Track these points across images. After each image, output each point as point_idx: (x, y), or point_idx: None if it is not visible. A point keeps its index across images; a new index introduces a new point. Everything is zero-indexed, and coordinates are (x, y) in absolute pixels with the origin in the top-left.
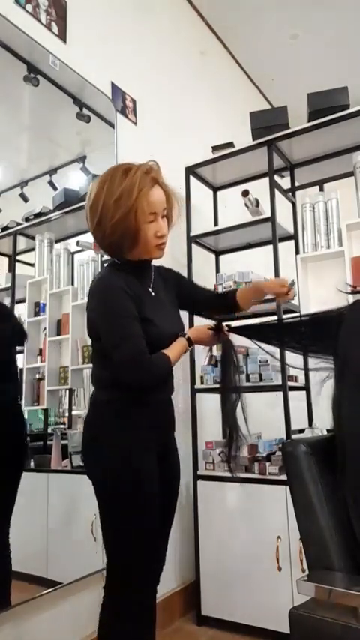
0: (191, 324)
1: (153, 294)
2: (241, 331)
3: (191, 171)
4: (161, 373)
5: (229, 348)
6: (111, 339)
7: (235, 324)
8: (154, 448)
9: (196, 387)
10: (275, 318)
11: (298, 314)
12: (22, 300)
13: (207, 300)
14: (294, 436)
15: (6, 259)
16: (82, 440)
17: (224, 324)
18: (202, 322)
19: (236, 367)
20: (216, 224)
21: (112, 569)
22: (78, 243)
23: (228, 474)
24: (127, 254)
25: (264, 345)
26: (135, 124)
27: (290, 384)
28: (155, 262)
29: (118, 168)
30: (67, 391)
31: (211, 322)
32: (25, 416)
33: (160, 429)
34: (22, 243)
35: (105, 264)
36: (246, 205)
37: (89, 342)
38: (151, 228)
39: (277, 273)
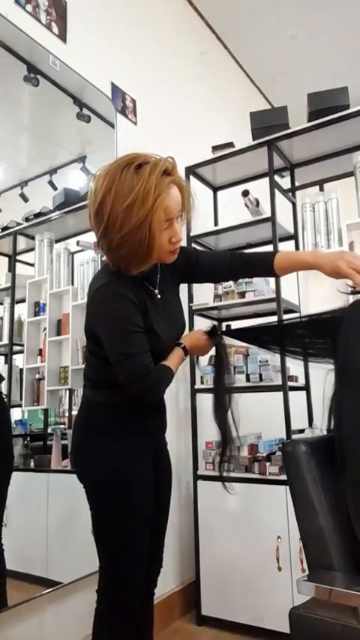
0: (191, 327)
1: (159, 296)
2: (238, 334)
3: (191, 171)
4: (164, 387)
5: (222, 351)
6: (115, 354)
7: (233, 325)
8: (148, 455)
9: (196, 386)
10: (275, 319)
11: (297, 314)
12: (22, 300)
13: (230, 272)
14: (294, 436)
15: (6, 259)
16: (73, 440)
17: (222, 324)
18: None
19: (228, 370)
20: (216, 224)
21: (104, 573)
22: (78, 243)
23: (228, 475)
24: (134, 269)
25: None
26: (135, 123)
27: (290, 384)
28: None
29: (130, 163)
30: (67, 391)
31: (205, 325)
32: (25, 416)
33: (153, 433)
34: (22, 243)
35: (106, 264)
36: (246, 205)
37: None
38: (165, 235)
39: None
